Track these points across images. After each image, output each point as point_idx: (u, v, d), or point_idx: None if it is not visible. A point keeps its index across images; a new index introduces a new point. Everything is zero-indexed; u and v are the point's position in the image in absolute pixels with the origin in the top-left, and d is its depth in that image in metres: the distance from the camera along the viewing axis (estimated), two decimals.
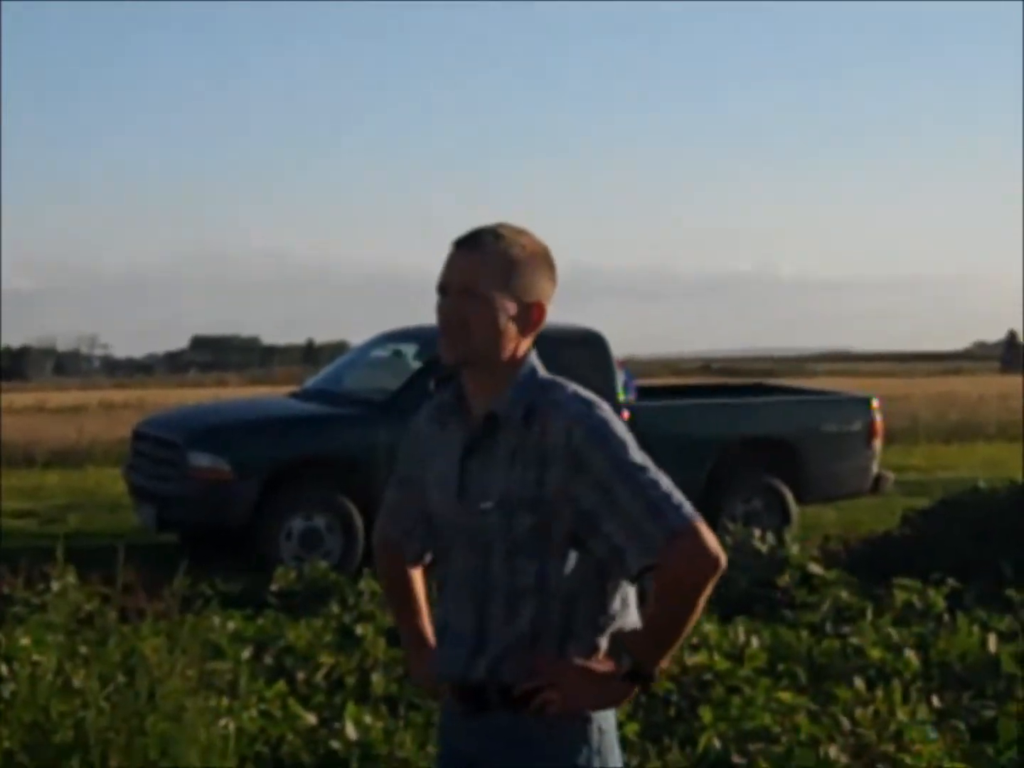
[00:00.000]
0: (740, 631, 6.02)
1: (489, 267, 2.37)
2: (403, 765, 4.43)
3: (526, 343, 2.44)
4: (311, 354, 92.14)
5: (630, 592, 2.45)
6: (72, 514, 12.72)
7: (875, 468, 11.18)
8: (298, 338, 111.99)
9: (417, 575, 2.70)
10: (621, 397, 10.25)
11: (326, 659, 5.68)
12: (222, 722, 4.37)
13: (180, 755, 4.11)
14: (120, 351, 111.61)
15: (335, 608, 6.97)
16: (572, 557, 2.37)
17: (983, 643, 5.93)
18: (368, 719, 4.71)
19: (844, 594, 7.18)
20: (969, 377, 48.37)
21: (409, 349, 10.73)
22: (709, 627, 5.99)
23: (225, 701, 4.62)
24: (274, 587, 7.68)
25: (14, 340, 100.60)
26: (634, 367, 13.11)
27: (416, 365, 10.20)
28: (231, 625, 6.18)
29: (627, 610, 2.44)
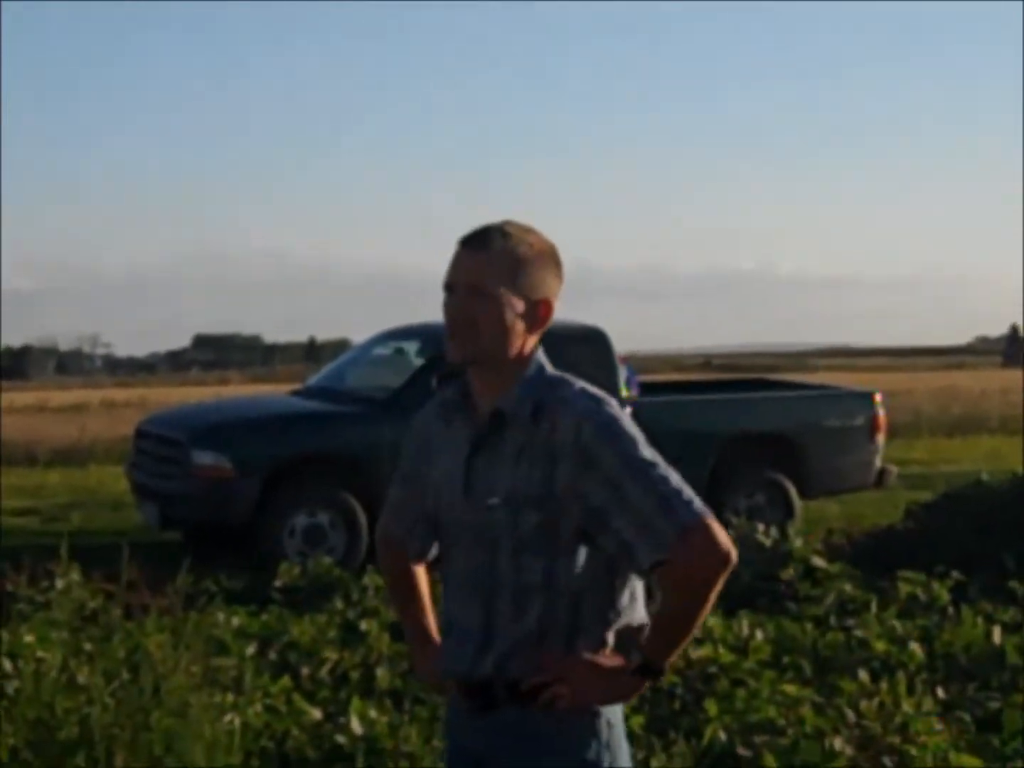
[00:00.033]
0: (744, 624, 6.02)
1: (496, 265, 2.36)
2: (408, 759, 4.43)
3: (533, 340, 2.43)
4: (313, 352, 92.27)
5: (638, 587, 2.44)
6: (74, 512, 12.70)
7: (878, 462, 11.20)
8: (300, 336, 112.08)
9: (421, 571, 2.69)
10: (624, 393, 10.26)
11: (330, 654, 5.68)
12: (227, 718, 4.37)
13: (185, 751, 4.11)
14: (122, 350, 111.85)
15: (339, 604, 6.98)
16: (582, 554, 2.36)
17: (987, 635, 5.94)
18: (373, 714, 4.71)
19: (848, 587, 7.18)
20: (971, 371, 48.41)
21: (411, 347, 10.74)
22: (713, 621, 5.99)
23: (230, 697, 4.62)
24: (278, 583, 7.69)
25: (15, 340, 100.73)
26: (635, 363, 13.09)
27: (418, 362, 10.21)
28: (235, 621, 6.18)
29: (635, 605, 2.43)
